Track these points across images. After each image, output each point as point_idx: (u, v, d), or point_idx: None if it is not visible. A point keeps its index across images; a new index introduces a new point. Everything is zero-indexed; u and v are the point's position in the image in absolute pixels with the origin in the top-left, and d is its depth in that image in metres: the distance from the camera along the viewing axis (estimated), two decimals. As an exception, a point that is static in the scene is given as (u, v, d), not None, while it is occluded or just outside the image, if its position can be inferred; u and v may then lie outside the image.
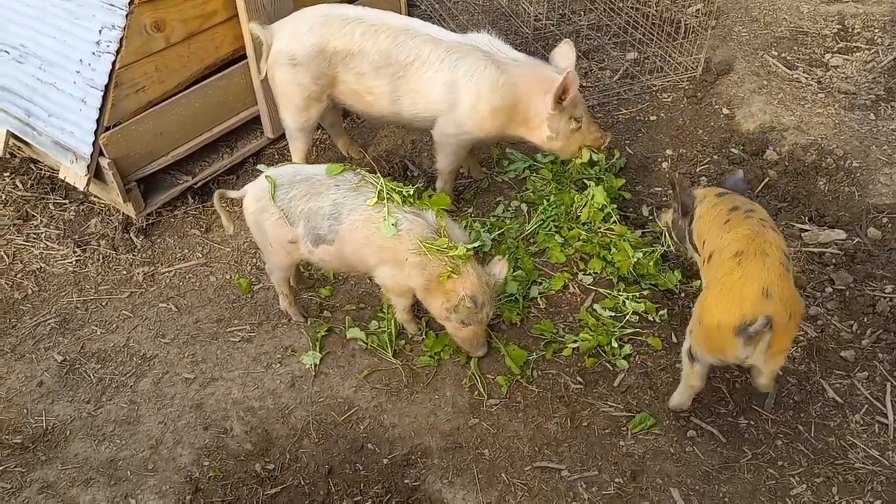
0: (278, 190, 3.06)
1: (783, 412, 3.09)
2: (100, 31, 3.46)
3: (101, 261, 3.84)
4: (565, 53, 3.53)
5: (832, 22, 5.10)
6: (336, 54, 3.47)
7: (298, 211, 3.06)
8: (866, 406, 3.08)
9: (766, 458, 2.95)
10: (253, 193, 3.13)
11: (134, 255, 3.87)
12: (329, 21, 3.47)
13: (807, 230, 3.75)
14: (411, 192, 3.09)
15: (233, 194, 3.20)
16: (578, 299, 3.53)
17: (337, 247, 3.09)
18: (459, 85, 3.43)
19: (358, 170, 3.15)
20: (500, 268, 3.11)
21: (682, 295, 3.51)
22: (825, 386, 3.16)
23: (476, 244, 3.14)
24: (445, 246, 2.99)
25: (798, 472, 2.91)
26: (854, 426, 3.03)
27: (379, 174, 3.17)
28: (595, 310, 3.44)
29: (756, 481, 2.89)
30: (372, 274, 3.20)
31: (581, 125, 3.54)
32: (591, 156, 3.66)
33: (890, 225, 3.74)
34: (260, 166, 3.30)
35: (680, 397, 3.02)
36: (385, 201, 3.01)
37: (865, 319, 3.38)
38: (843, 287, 3.49)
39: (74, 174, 3.67)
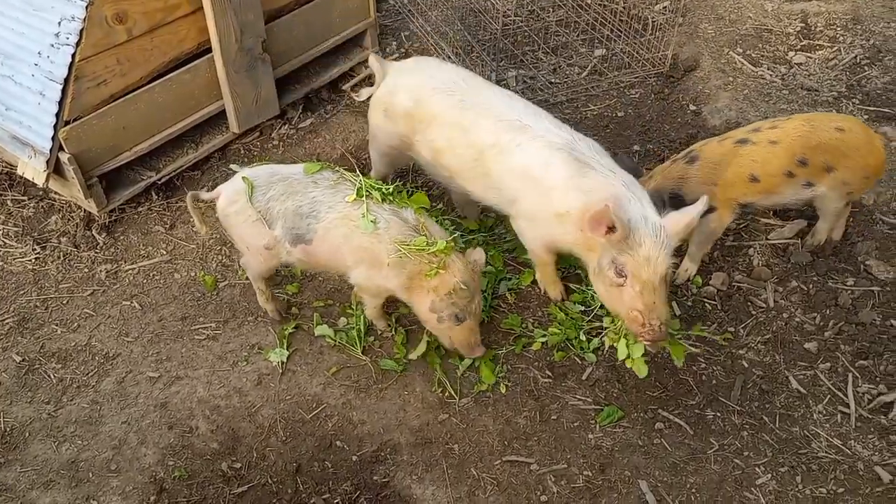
0: (255, 191, 3.00)
1: (749, 403, 3.13)
2: (59, 23, 3.38)
3: (62, 258, 3.75)
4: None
5: (795, 20, 5.18)
6: (421, 122, 3.28)
7: (276, 212, 3.00)
8: (829, 396, 3.13)
9: (733, 449, 2.98)
10: (228, 195, 3.06)
11: (96, 252, 3.79)
12: (428, 84, 3.29)
13: (771, 225, 3.80)
14: (391, 190, 3.04)
15: (206, 196, 3.13)
16: (547, 295, 3.53)
17: (315, 246, 3.03)
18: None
19: (336, 168, 3.10)
20: (478, 255, 3.05)
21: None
22: (789, 377, 3.20)
23: (454, 236, 3.10)
24: (424, 245, 2.93)
25: (763, 461, 2.94)
26: (817, 416, 3.08)
27: (358, 172, 3.12)
28: (564, 304, 3.45)
29: (723, 472, 2.92)
30: (347, 275, 3.14)
31: (625, 285, 2.84)
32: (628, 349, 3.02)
33: (851, 220, 3.80)
34: (233, 166, 3.23)
35: None
36: (364, 198, 2.96)
37: (828, 312, 3.43)
38: (806, 281, 3.55)
39: (33, 170, 3.58)
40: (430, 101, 3.25)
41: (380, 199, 2.98)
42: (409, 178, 4.15)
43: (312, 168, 3.06)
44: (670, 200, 3.28)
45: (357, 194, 2.97)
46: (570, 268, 3.59)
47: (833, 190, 3.35)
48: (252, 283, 3.37)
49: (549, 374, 3.24)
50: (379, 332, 3.39)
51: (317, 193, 2.99)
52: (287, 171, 3.08)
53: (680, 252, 3.44)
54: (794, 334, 3.36)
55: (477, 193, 3.30)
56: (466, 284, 2.93)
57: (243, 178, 3.03)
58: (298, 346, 3.37)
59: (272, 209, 3.01)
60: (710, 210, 3.31)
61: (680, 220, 2.82)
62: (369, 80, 4.75)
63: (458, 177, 3.30)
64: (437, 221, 3.60)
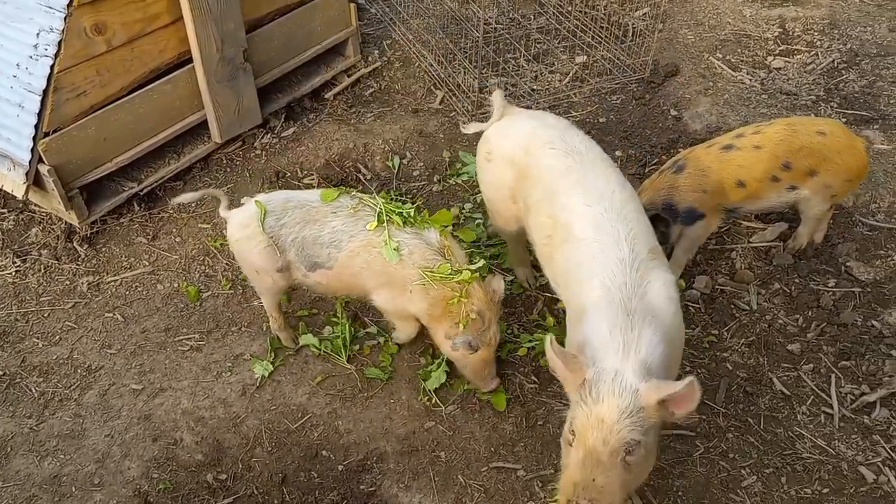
0: (268, 216, 2.93)
1: (733, 405, 3.14)
2: (37, 35, 3.36)
3: (43, 271, 3.72)
4: None
5: (773, 25, 5.24)
6: (519, 177, 3.01)
7: (290, 240, 2.95)
8: (812, 397, 3.15)
9: (718, 452, 2.99)
10: (239, 220, 2.99)
11: (78, 264, 3.76)
12: (529, 135, 3.00)
13: (753, 228, 3.84)
14: (412, 213, 2.97)
15: (223, 213, 3.05)
16: (533, 300, 3.54)
17: (336, 271, 2.99)
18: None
19: (353, 192, 3.02)
20: (497, 284, 2.94)
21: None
22: (773, 379, 3.22)
23: (479, 264, 2.96)
24: (448, 272, 2.86)
25: (749, 463, 2.95)
26: (801, 417, 3.10)
27: (376, 195, 3.04)
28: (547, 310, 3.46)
29: (708, 474, 2.93)
30: (370, 297, 3.08)
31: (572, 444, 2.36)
32: None
33: (832, 222, 3.84)
34: (244, 199, 3.08)
35: None
36: (385, 224, 2.90)
37: (810, 313, 3.46)
38: (788, 284, 3.58)
39: (12, 182, 3.55)
40: (538, 155, 2.92)
41: (401, 223, 2.92)
42: (392, 186, 4.15)
43: (330, 195, 2.97)
44: (664, 211, 3.38)
45: (378, 220, 2.90)
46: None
47: (816, 193, 3.38)
48: (266, 310, 3.29)
49: (535, 379, 3.24)
50: (363, 341, 3.38)
51: (337, 223, 2.92)
52: (303, 197, 3.01)
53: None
54: (778, 336, 3.38)
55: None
56: (482, 314, 2.88)
57: (256, 202, 2.96)
58: (283, 356, 3.35)
59: (284, 236, 2.94)
60: (698, 217, 3.37)
61: (658, 390, 2.19)
62: (351, 88, 4.76)
63: (533, 246, 3.06)
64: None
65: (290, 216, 2.95)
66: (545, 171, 2.85)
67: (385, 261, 2.89)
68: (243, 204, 3.05)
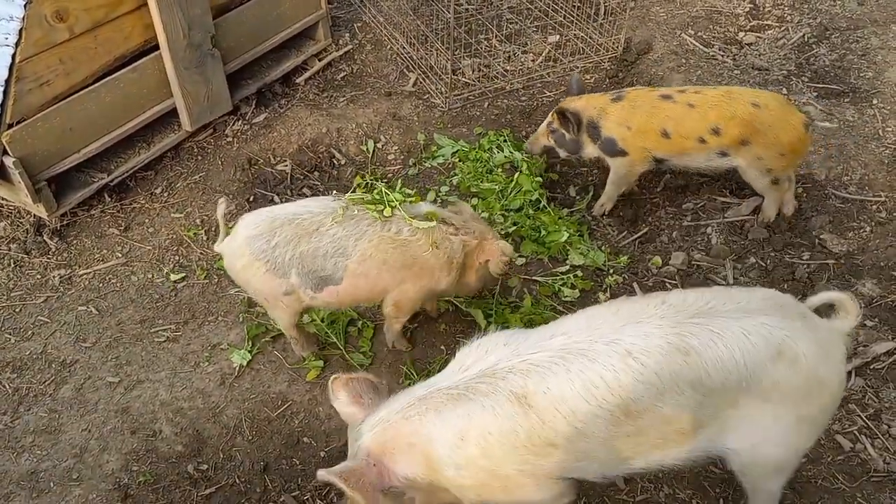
0: (257, 240, 2.76)
1: (712, 380, 3.16)
2: (-3, 23, 3.27)
3: (13, 266, 3.65)
4: None
5: (744, 1, 5.25)
6: None
7: (287, 259, 2.77)
8: (789, 369, 3.19)
9: (698, 425, 3.02)
10: (231, 251, 2.84)
11: (48, 257, 3.69)
12: None
13: (728, 203, 3.86)
14: (401, 196, 2.89)
15: (217, 248, 2.91)
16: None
17: (347, 283, 2.83)
18: None
19: (334, 193, 2.91)
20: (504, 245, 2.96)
21: (611, 272, 3.56)
22: (750, 352, 3.24)
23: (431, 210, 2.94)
24: (454, 229, 2.85)
25: (728, 436, 2.98)
26: (779, 389, 3.13)
27: (360, 187, 2.98)
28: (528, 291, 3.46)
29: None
30: (386, 299, 2.96)
31: None
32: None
33: (805, 195, 3.87)
34: (220, 200, 2.93)
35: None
36: (398, 211, 2.82)
37: (786, 286, 3.48)
38: (763, 258, 3.61)
39: (-23, 175, 3.47)
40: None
41: (391, 211, 2.82)
42: (367, 170, 4.12)
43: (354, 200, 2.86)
44: (588, 128, 3.57)
45: (388, 208, 2.81)
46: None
47: (750, 165, 3.46)
48: (285, 333, 3.19)
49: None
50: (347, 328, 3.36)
51: (337, 230, 2.77)
52: (289, 210, 2.83)
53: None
54: (754, 309, 3.41)
55: None
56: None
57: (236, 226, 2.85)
58: (261, 345, 3.32)
59: (280, 257, 2.77)
60: (618, 152, 3.56)
61: None
62: (323, 73, 4.70)
63: None
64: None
65: (280, 235, 2.76)
66: None
67: (407, 253, 2.79)
68: (220, 205, 2.90)
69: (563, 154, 3.78)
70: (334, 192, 2.98)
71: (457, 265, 2.90)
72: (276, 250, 2.76)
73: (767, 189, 3.59)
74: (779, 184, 3.55)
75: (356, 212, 2.82)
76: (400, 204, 2.85)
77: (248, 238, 2.78)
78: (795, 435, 2.25)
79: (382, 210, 2.83)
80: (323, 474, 2.04)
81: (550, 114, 3.73)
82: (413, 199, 2.94)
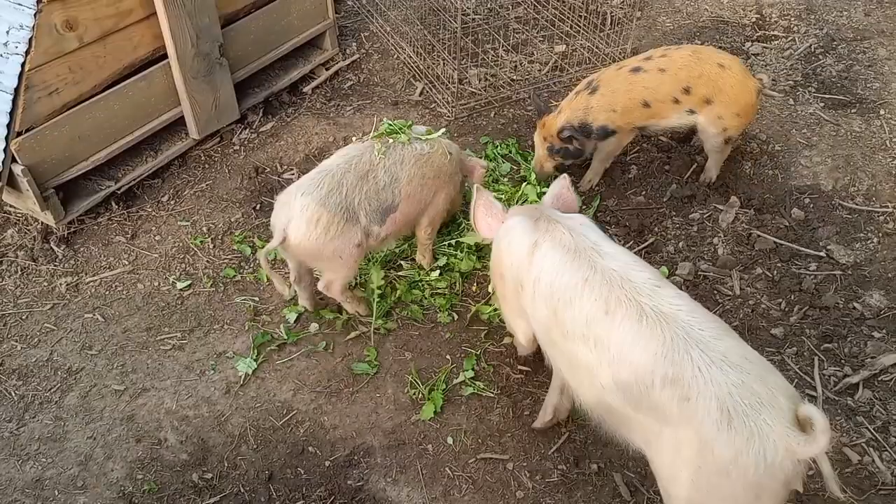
0: (331, 196, 3.01)
1: (718, 391, 3.15)
2: (7, 32, 3.29)
3: (20, 273, 3.66)
4: None
5: (751, 12, 5.25)
6: None
7: (357, 203, 3.06)
8: (796, 380, 3.17)
9: (704, 437, 3.00)
10: (303, 220, 2.96)
11: (55, 265, 3.70)
12: None
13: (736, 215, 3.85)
14: (408, 123, 3.36)
15: (272, 245, 3.01)
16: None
17: (402, 207, 3.20)
18: None
19: (355, 138, 3.33)
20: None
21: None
22: (757, 363, 3.23)
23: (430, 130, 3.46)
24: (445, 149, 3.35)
25: (735, 448, 2.96)
26: (786, 400, 3.11)
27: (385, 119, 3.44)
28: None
29: (695, 460, 2.93)
30: (422, 221, 3.37)
31: None
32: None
33: (812, 206, 3.87)
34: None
35: None
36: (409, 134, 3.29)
37: (793, 297, 3.48)
38: (770, 268, 3.60)
39: (-14, 183, 3.48)
40: None
41: (409, 135, 3.29)
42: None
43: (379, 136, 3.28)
44: (579, 130, 3.71)
45: (405, 132, 3.28)
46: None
47: (710, 123, 3.66)
48: (338, 298, 3.30)
49: (521, 369, 3.24)
50: (349, 336, 3.36)
51: (385, 162, 3.15)
52: (335, 164, 3.12)
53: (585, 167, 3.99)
54: (761, 320, 3.40)
55: None
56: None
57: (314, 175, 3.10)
58: (266, 353, 3.32)
59: (352, 203, 3.05)
60: (610, 133, 3.74)
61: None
62: (330, 82, 4.72)
63: None
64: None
65: (346, 184, 3.04)
66: None
67: (434, 164, 3.26)
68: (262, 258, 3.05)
69: (568, 163, 3.90)
70: (353, 138, 3.33)
71: (460, 172, 3.41)
72: (348, 199, 3.05)
73: (719, 148, 3.79)
74: (729, 143, 3.79)
75: (390, 142, 3.22)
76: (409, 127, 3.33)
77: (322, 199, 2.99)
78: None
79: (405, 135, 3.26)
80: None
81: (537, 139, 3.89)
82: (410, 123, 3.39)
